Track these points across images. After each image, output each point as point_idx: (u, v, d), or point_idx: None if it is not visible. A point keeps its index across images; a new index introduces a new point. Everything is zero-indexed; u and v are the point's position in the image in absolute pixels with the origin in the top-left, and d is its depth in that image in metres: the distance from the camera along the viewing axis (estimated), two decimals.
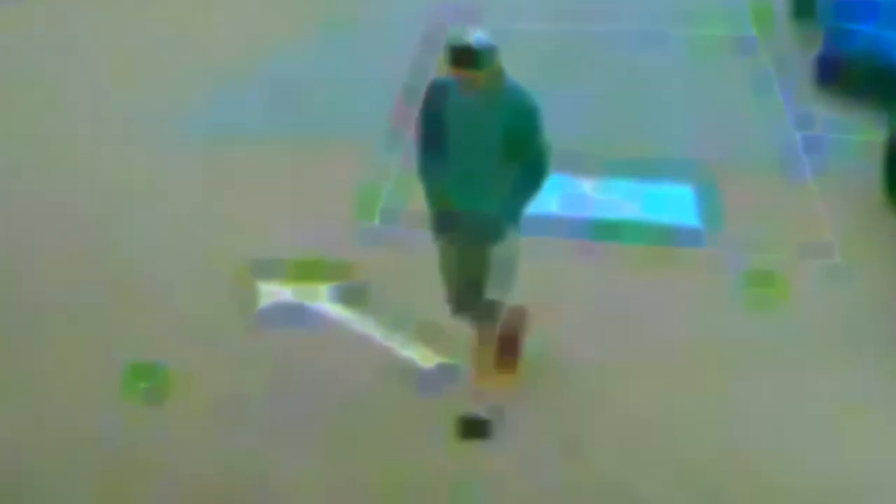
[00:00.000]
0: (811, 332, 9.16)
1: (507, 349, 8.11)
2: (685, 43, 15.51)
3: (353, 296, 9.48)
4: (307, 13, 16.99)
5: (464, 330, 7.90)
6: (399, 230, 10.12)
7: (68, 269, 10.03)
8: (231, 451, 7.81)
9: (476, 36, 6.96)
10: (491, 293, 7.64)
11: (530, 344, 8.38)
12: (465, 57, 6.97)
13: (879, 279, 9.89)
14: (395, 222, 10.41)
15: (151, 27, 16.61)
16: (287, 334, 9.02)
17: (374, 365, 8.59)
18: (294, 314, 9.34)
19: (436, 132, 7.37)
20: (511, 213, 7.51)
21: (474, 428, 7.90)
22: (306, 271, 9.79)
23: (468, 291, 7.70)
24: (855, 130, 12.63)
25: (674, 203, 11.04)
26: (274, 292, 9.64)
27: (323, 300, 9.54)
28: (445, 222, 7.63)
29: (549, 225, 10.36)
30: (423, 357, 8.62)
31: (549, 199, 10.75)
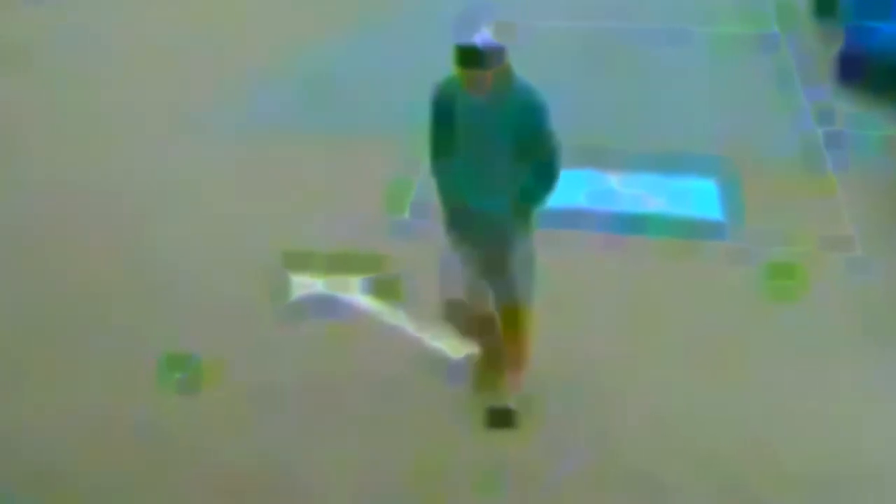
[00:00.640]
0: (832, 323, 9.06)
1: (493, 362, 8.03)
2: (709, 40, 15.43)
3: (384, 288, 9.45)
4: (341, 10, 16.95)
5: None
6: (429, 223, 10.06)
7: (107, 263, 10.03)
8: (264, 440, 7.80)
9: (482, 36, 6.86)
10: (513, 293, 7.59)
11: (554, 336, 8.32)
12: (471, 57, 6.88)
13: None
14: (425, 216, 10.36)
15: (188, 25, 16.61)
16: (319, 325, 9.00)
17: (404, 356, 8.55)
18: (326, 306, 9.31)
19: (446, 131, 7.27)
20: (522, 212, 7.38)
21: (502, 418, 7.88)
22: (339, 263, 9.76)
23: (478, 287, 7.61)
24: (875, 126, 12.53)
25: (697, 197, 10.98)
26: (307, 284, 9.61)
27: (355, 292, 9.50)
28: (457, 220, 7.55)
29: (576, 218, 10.40)
30: (453, 348, 8.57)
31: (576, 194, 10.76)
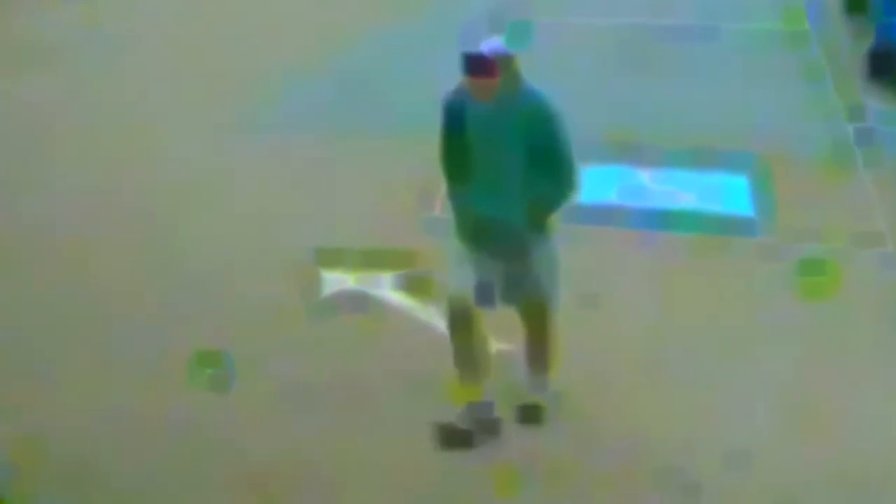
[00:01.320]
0: (864, 320, 8.90)
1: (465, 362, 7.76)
2: (740, 37, 15.30)
3: (415, 284, 9.36)
4: (374, 8, 16.87)
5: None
6: None
7: (138, 260, 10.00)
8: (295, 437, 7.75)
9: (489, 44, 6.74)
10: (538, 292, 7.44)
11: (584, 332, 8.20)
12: (477, 65, 6.75)
13: None
14: None
15: (220, 22, 16.56)
16: (351, 322, 8.92)
17: (435, 352, 8.43)
18: (358, 302, 9.24)
19: (457, 142, 7.11)
20: (537, 220, 7.18)
21: (531, 414, 7.82)
22: (370, 260, 9.67)
23: (486, 290, 7.44)
24: None
25: (729, 193, 10.87)
26: (338, 280, 9.54)
27: (387, 288, 9.44)
28: (473, 231, 7.36)
29: (607, 215, 10.27)
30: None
31: (607, 190, 10.67)
